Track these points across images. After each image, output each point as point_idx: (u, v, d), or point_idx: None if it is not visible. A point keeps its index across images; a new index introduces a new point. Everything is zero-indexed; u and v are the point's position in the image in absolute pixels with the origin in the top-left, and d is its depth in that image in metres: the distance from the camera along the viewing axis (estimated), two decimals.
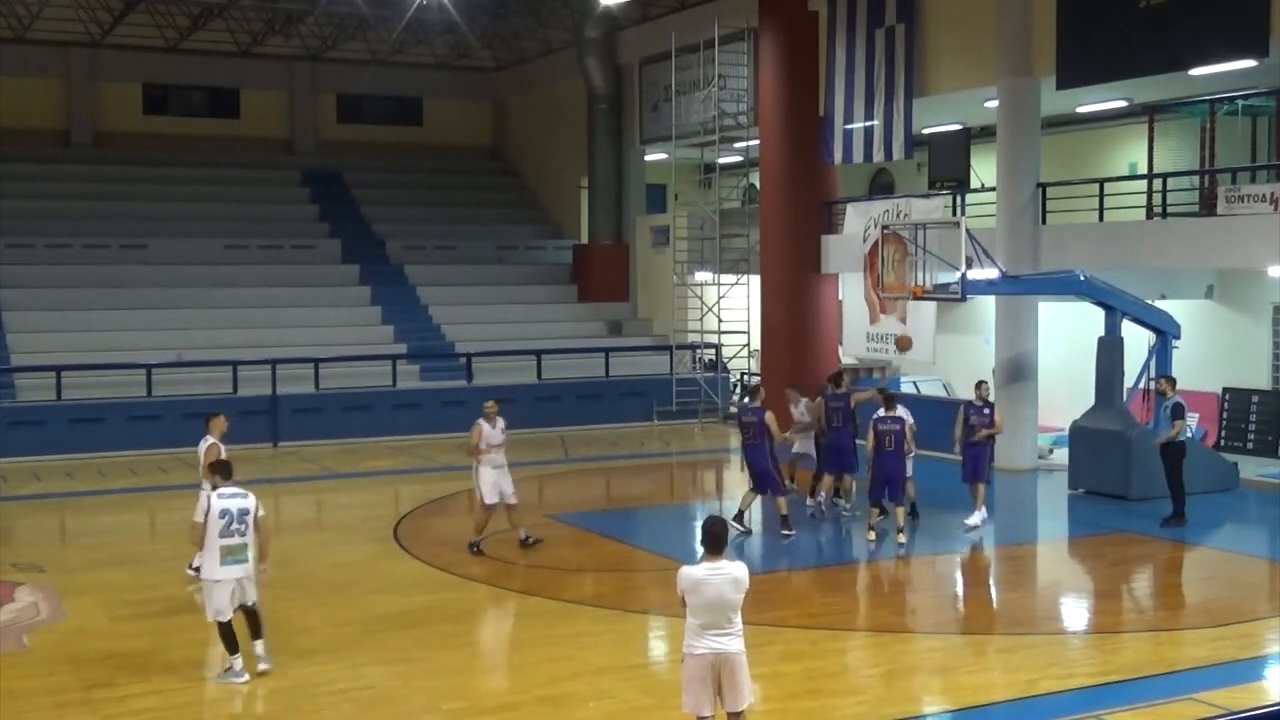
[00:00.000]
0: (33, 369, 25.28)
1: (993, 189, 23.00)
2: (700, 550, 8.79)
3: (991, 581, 15.56)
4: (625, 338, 31.52)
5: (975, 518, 17.16)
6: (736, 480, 24.68)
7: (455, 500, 19.89)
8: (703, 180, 32.81)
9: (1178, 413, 17.16)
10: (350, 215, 34.53)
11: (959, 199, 24.85)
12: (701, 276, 30.03)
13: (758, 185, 28.48)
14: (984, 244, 19.84)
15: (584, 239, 34.28)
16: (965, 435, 17.43)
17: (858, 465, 17.55)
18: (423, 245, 33.68)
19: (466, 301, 31.47)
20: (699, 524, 19.07)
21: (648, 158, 33.60)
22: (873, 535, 16.25)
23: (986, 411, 17.45)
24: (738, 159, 31.04)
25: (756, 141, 27.69)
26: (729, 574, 8.57)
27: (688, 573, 8.64)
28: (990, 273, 19.92)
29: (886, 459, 16.31)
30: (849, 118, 25.09)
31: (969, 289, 19.68)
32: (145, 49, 34.69)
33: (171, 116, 36.59)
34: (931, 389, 27.95)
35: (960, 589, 15.18)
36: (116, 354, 26.06)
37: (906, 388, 28.05)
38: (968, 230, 19.51)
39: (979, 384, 18.08)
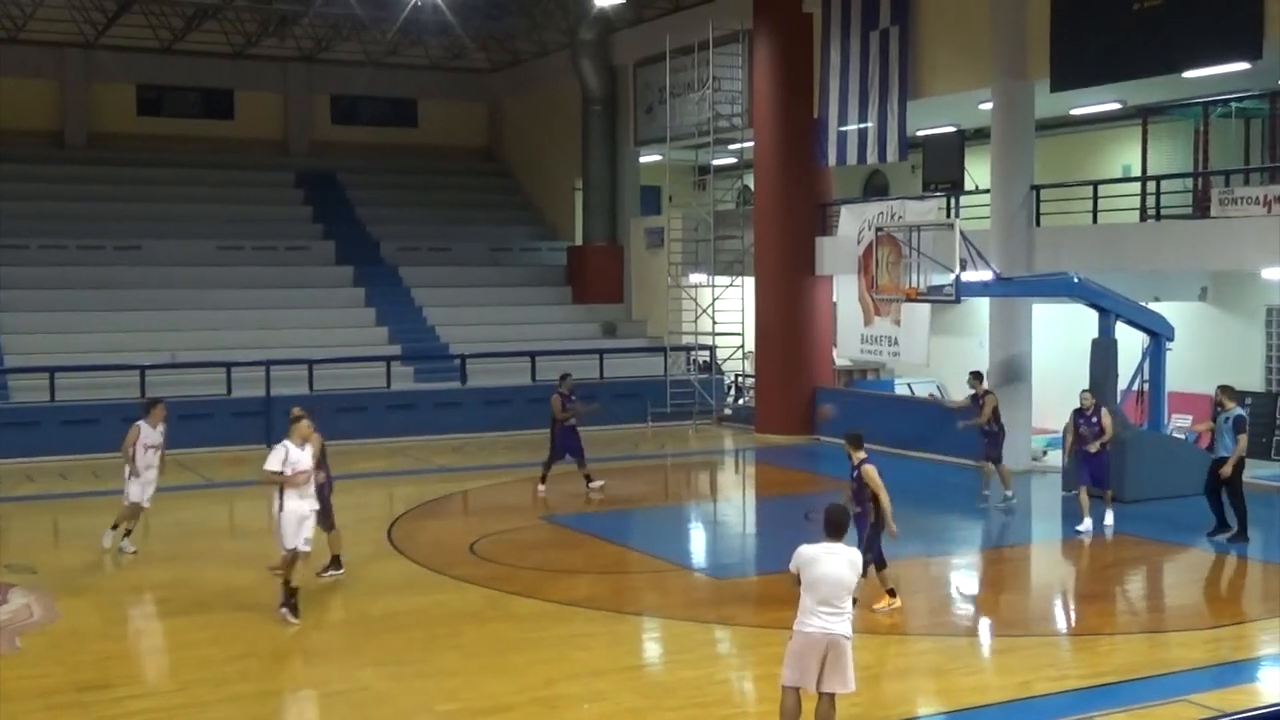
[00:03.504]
0: (26, 370, 25.23)
1: (987, 191, 23.02)
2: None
3: (986, 583, 15.55)
4: (620, 339, 31.52)
5: (1086, 523, 16.85)
6: (731, 481, 24.73)
7: (449, 502, 19.88)
8: (697, 182, 32.82)
9: (1240, 426, 16.13)
10: (344, 217, 34.49)
11: (953, 201, 24.86)
12: (696, 278, 30.02)
13: (752, 187, 28.47)
14: (978, 246, 19.87)
15: (578, 240, 34.27)
16: (1076, 445, 17.04)
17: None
18: (417, 247, 33.64)
19: (461, 303, 31.43)
20: (692, 526, 19.24)
21: (642, 159, 33.57)
22: None
23: (1095, 420, 16.94)
24: (732, 161, 31.02)
25: (751, 143, 27.67)
26: (845, 555, 9.03)
27: (803, 549, 9.10)
28: (984, 275, 19.96)
29: None
30: (843, 119, 25.10)
31: (963, 291, 19.71)
32: (139, 50, 34.59)
33: (166, 118, 36.51)
34: (925, 392, 27.98)
35: (955, 591, 15.17)
36: (110, 355, 26.02)
37: (900, 390, 28.12)
38: (962, 232, 19.54)
39: (1083, 392, 17.42)
